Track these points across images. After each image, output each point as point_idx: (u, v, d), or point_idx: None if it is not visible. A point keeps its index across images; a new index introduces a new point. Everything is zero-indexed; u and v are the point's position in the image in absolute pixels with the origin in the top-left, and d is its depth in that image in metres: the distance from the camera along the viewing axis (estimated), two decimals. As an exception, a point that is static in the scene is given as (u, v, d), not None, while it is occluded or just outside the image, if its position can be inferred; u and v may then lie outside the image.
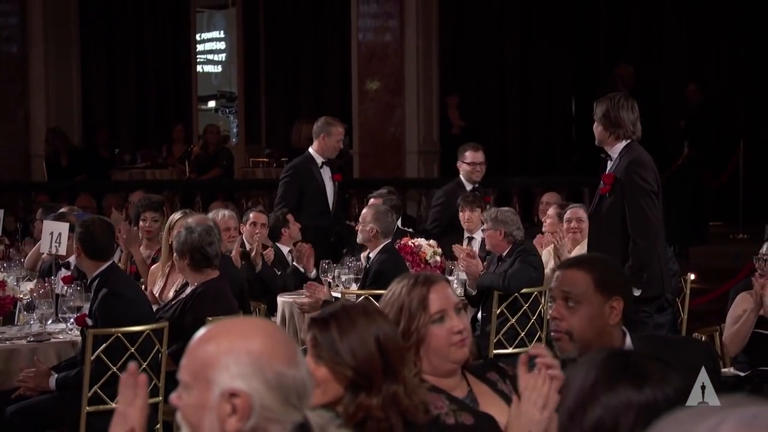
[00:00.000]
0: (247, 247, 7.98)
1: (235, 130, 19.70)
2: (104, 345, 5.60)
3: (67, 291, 6.23)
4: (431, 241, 8.04)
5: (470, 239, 8.55)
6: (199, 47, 18.63)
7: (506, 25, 15.15)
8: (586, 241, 7.78)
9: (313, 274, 8.09)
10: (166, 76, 16.62)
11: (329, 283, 7.48)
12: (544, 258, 7.62)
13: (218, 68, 24.01)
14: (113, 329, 5.63)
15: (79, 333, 6.04)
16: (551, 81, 14.94)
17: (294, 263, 8.29)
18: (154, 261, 7.40)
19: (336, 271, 7.65)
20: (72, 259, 6.79)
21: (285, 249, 8.53)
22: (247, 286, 7.09)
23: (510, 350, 7.07)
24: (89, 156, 14.48)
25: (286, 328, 7.25)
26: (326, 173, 8.99)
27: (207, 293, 5.98)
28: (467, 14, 14.98)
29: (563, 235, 7.76)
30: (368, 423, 2.89)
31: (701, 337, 5.86)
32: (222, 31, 22.87)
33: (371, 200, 8.54)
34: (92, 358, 5.58)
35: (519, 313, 7.15)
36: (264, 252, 7.95)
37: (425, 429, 2.99)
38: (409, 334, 3.18)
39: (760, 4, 13.96)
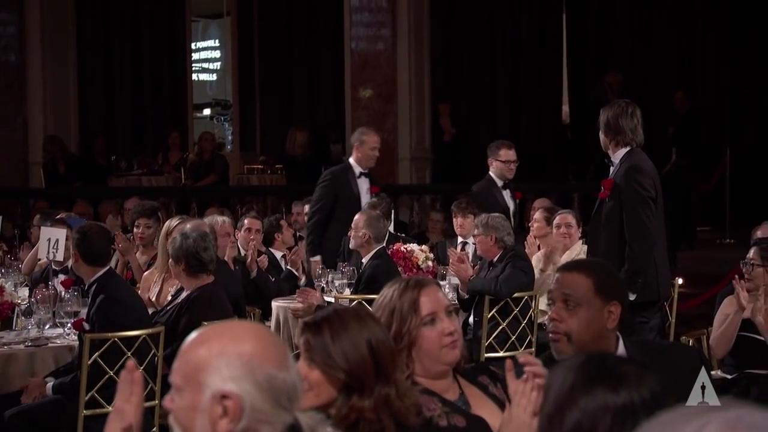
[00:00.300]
0: (242, 252, 8.04)
1: (230, 137, 19.78)
2: (101, 349, 5.62)
3: (64, 295, 6.26)
4: (423, 246, 8.12)
5: (464, 244, 8.62)
6: (195, 56, 18.72)
7: (497, 34, 15.22)
8: (576, 246, 7.89)
9: (304, 280, 8.16)
10: (162, 85, 16.66)
11: (322, 288, 7.55)
12: (534, 263, 7.68)
13: (213, 77, 24.08)
14: (110, 334, 5.66)
15: (76, 337, 6.06)
16: (541, 88, 14.99)
17: (288, 267, 8.36)
18: (149, 267, 7.41)
19: (329, 276, 7.73)
20: (69, 263, 6.84)
21: (278, 254, 8.60)
22: (243, 291, 7.16)
23: (501, 354, 7.12)
24: (86, 163, 14.50)
25: (281, 333, 7.28)
26: (363, 184, 8.89)
27: (202, 298, 6.00)
28: (458, 23, 15.03)
29: (553, 240, 7.84)
30: (360, 425, 2.90)
31: (689, 341, 5.92)
32: (217, 40, 22.94)
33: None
34: (89, 362, 5.60)
35: (510, 318, 7.20)
36: (258, 258, 8.01)
37: (417, 431, 3.01)
38: (400, 336, 3.21)
39: (747, 12, 14.06)
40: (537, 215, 8.22)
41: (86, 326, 5.85)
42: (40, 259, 7.65)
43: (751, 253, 6.02)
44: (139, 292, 6.93)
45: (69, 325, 6.22)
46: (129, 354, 5.64)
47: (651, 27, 14.77)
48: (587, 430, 2.09)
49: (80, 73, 15.22)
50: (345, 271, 7.71)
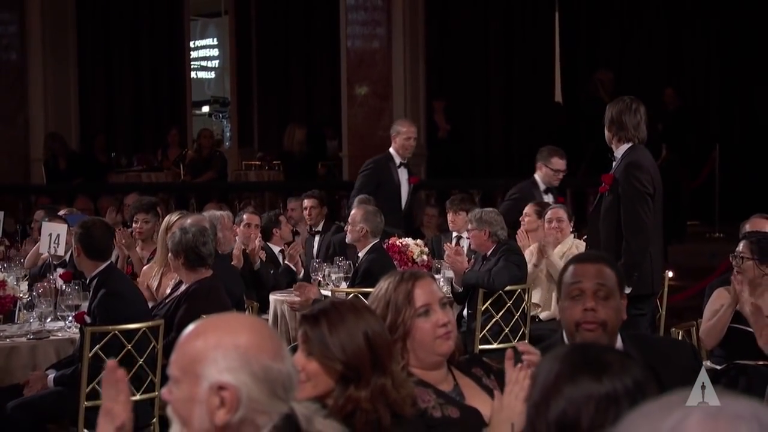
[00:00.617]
0: (242, 247, 8.10)
1: (228, 134, 19.88)
2: (102, 342, 5.66)
3: (66, 289, 6.30)
4: (418, 240, 8.20)
5: (459, 239, 8.70)
6: (193, 54, 18.80)
7: (491, 31, 15.30)
8: (567, 240, 7.95)
9: (301, 274, 8.24)
10: (161, 83, 16.72)
11: (318, 282, 7.61)
12: (527, 256, 7.71)
13: (211, 74, 24.17)
14: (110, 327, 5.69)
15: (77, 330, 6.11)
16: (535, 85, 15.04)
17: (286, 262, 8.43)
18: (148, 262, 7.45)
19: (326, 270, 7.79)
20: (68, 258, 6.91)
21: (276, 249, 8.66)
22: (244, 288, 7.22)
23: (495, 346, 7.17)
24: (87, 160, 14.56)
25: (278, 326, 7.32)
26: (403, 174, 9.13)
27: (200, 291, 6.06)
28: (453, 21, 15.10)
29: (545, 234, 7.90)
30: (357, 415, 2.95)
31: (678, 333, 5.98)
32: (215, 39, 23.03)
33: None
34: (90, 354, 5.64)
35: (503, 310, 7.23)
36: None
37: (412, 422, 3.05)
38: (395, 327, 3.26)
39: (737, 10, 14.14)
40: (528, 209, 8.20)
41: (88, 319, 5.90)
42: (41, 254, 7.73)
43: (741, 246, 6.05)
44: (139, 285, 7.01)
45: (70, 318, 6.26)
46: (129, 347, 5.68)
47: (641, 25, 14.88)
48: (572, 419, 2.12)
49: (80, 71, 15.29)
50: (341, 265, 7.77)
